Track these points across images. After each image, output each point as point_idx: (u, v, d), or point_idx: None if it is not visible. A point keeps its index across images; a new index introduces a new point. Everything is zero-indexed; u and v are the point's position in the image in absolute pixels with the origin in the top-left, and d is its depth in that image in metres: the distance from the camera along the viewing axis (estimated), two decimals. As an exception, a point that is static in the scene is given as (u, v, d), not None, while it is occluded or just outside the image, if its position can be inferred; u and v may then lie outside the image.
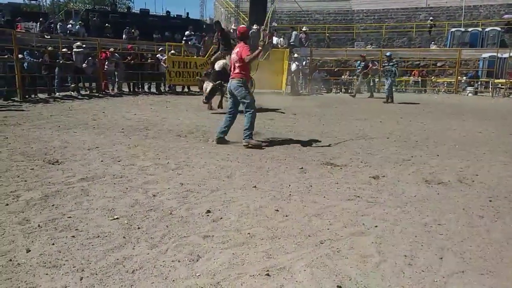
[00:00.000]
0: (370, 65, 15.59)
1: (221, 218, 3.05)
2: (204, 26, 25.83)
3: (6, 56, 10.81)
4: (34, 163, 4.35)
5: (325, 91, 17.95)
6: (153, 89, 15.21)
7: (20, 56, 10.86)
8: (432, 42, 23.32)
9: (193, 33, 20.82)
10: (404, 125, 8.30)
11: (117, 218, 2.93)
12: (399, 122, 8.84)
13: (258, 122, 8.09)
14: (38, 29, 18.45)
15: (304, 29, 19.86)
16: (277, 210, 3.24)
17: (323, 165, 4.77)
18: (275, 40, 18.26)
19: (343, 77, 18.84)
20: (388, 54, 14.28)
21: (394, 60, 13.86)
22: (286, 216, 3.14)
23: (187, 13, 27.24)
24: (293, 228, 2.91)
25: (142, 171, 4.22)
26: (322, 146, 5.89)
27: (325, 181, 4.11)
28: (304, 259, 2.45)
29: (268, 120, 8.55)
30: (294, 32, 19.36)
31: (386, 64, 13.83)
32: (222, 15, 30.36)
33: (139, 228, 2.79)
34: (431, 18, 25.63)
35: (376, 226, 2.99)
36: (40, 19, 19.30)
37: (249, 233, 2.79)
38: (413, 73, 19.92)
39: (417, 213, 3.28)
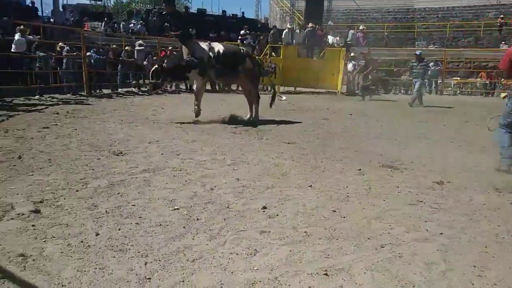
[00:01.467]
0: (370, 66, 14.20)
1: (277, 215, 3.05)
2: (259, 25, 26.02)
3: (75, 54, 11.60)
4: (100, 153, 4.63)
5: (384, 91, 17.38)
6: (208, 87, 15.58)
7: (87, 53, 11.61)
8: (503, 42, 21.74)
9: (248, 32, 21.03)
10: (470, 129, 7.82)
11: (177, 208, 3.04)
12: (464, 125, 8.35)
13: (311, 122, 8.07)
14: (103, 28, 19.58)
15: (361, 27, 19.37)
16: (334, 211, 3.19)
17: (382, 167, 4.63)
18: (330, 39, 18.01)
19: (402, 77, 18.14)
20: (418, 53, 12.77)
21: (425, 61, 12.56)
22: (344, 217, 3.09)
23: (243, 13, 27.66)
24: (351, 230, 2.85)
25: (199, 165, 4.34)
26: (380, 148, 5.72)
27: (384, 184, 3.98)
28: (363, 262, 2.39)
29: (322, 120, 8.45)
30: (351, 31, 18.93)
31: (416, 65, 12.41)
32: (277, 14, 30.45)
33: (198, 219, 2.88)
34: (501, 16, 23.92)
35: (441, 233, 2.85)
36: (105, 19, 20.49)
37: (305, 232, 2.77)
38: (480, 75, 18.72)
39: (487, 223, 3.08)
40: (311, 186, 3.81)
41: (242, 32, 20.72)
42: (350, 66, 15.85)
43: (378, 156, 5.17)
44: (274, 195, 3.49)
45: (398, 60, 19.03)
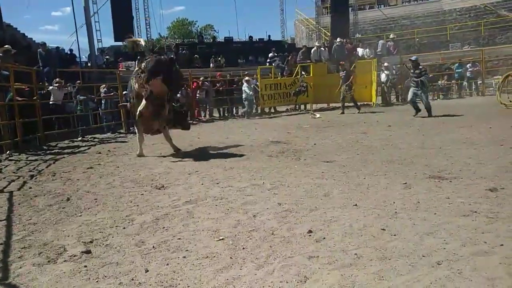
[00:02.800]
0: (352, 75, 13.58)
1: (324, 238, 2.99)
2: (286, 46, 26.32)
3: (112, 94, 12.18)
4: (143, 188, 4.76)
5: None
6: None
7: (123, 92, 12.15)
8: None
9: (276, 54, 21.33)
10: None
11: (222, 238, 3.05)
12: (513, 126, 7.93)
13: (348, 137, 7.94)
14: (136, 67, 20.51)
15: (391, 36, 19.11)
16: (384, 229, 3.09)
17: (430, 178, 4.45)
18: (360, 51, 17.87)
19: (439, 82, 17.61)
20: (413, 58, 11.62)
21: (421, 67, 11.19)
22: (394, 235, 2.97)
23: (269, 36, 28.05)
24: (404, 248, 2.74)
25: (240, 192, 4.37)
26: (425, 158, 5.52)
27: (433, 196, 3.82)
28: (421, 282, 2.28)
29: (360, 134, 8.30)
30: (381, 41, 18.72)
31: (412, 71, 11.30)
32: (303, 33, 30.69)
33: (243, 248, 2.87)
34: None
35: (501, 245, 2.68)
36: (138, 57, 21.44)
37: (356, 254, 2.69)
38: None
39: (553, 229, 2.86)
40: (356, 205, 3.72)
41: (270, 55, 21.01)
42: (383, 77, 15.61)
43: (424, 167, 4.99)
44: (318, 217, 3.44)
45: (433, 64, 18.54)
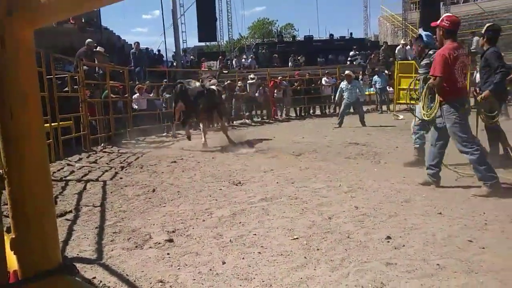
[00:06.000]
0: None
1: (403, 245, 2.88)
2: (369, 44, 25.46)
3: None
4: (221, 184, 4.99)
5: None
6: (318, 112, 15.71)
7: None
8: None
9: (357, 52, 20.79)
10: None
11: (296, 238, 3.09)
12: None
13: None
14: (218, 66, 21.34)
15: (488, 32, 17.54)
16: (471, 241, 2.89)
17: (528, 189, 4.05)
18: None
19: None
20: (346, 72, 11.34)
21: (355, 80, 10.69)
22: (483, 248, 2.77)
23: (351, 33, 27.31)
24: (493, 263, 2.54)
25: (315, 193, 4.37)
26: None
27: (532, 209, 3.47)
28: (513, 301, 2.11)
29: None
30: (475, 38, 17.28)
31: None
32: (388, 29, 29.45)
33: (318, 249, 2.88)
34: None
35: None
36: (220, 57, 22.31)
37: (438, 264, 2.56)
38: None
39: None
40: (440, 213, 3.52)
41: (351, 53, 20.53)
42: (477, 77, 14.39)
43: (522, 177, 4.55)
44: (398, 224, 3.32)
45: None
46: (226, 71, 20.01)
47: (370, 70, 16.54)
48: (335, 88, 14.88)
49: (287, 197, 4.25)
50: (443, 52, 4.18)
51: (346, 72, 12.13)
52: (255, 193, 4.45)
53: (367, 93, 15.40)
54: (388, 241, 2.95)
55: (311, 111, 15.72)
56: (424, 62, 5.35)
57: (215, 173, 5.68)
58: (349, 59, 20.50)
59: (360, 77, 16.10)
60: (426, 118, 4.45)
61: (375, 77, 15.23)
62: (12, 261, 0.93)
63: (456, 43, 4.30)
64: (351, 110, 11.89)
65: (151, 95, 12.10)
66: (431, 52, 5.22)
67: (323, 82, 15.61)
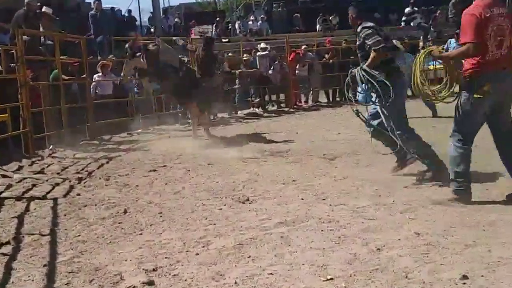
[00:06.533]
0: None
1: (487, 288, 2.87)
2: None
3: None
4: (221, 201, 5.01)
5: None
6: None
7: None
8: None
9: (415, 9, 20.62)
10: None
11: (331, 278, 3.08)
12: None
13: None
14: (214, 32, 21.41)
15: None
16: None
17: None
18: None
19: None
20: None
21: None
22: None
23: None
24: None
25: (357, 214, 4.36)
26: None
27: None
28: None
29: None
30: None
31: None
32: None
33: (363, 295, 2.88)
34: None
35: None
36: (217, 18, 22.35)
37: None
38: None
39: None
40: (539, 241, 3.49)
41: (407, 10, 20.43)
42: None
43: None
44: (478, 257, 3.30)
45: None
46: (226, 40, 20.09)
47: (435, 35, 16.41)
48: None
49: (316, 219, 4.24)
50: (472, 10, 4.37)
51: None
52: (270, 215, 4.45)
53: (431, 67, 15.25)
54: (465, 283, 2.93)
55: (349, 94, 15.67)
56: (357, 41, 5.81)
57: (212, 186, 5.70)
58: (403, 18, 20.39)
59: (421, 44, 15.98)
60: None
61: (451, 42, 14.89)
62: None
63: None
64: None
65: (119, 77, 12.14)
66: (360, 28, 5.66)
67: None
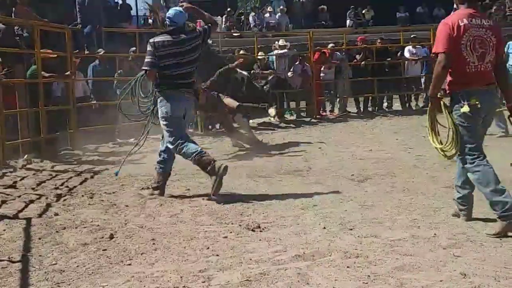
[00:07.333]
0: None
1: None
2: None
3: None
4: (226, 228, 5.00)
5: None
6: (398, 106, 15.62)
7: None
8: None
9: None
10: None
11: (357, 326, 3.07)
12: None
13: None
14: (223, 25, 21.51)
15: None
16: None
17: None
18: None
19: None
20: None
21: None
22: None
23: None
24: None
25: (391, 248, 4.33)
26: None
27: None
28: None
29: None
30: None
31: None
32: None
33: None
34: None
35: None
36: (228, 9, 22.43)
37: None
38: None
39: None
40: None
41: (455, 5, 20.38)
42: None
43: None
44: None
45: None
46: (238, 34, 20.14)
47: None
48: (427, 65, 14.72)
49: (341, 253, 4.23)
50: (446, 20, 4.93)
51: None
52: (286, 246, 4.43)
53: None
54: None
55: (386, 103, 15.64)
56: None
57: (215, 209, 5.70)
58: (452, 11, 20.34)
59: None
60: None
61: (510, 46, 14.83)
62: None
63: (472, 9, 4.88)
64: None
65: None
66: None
67: (407, 53, 15.51)
